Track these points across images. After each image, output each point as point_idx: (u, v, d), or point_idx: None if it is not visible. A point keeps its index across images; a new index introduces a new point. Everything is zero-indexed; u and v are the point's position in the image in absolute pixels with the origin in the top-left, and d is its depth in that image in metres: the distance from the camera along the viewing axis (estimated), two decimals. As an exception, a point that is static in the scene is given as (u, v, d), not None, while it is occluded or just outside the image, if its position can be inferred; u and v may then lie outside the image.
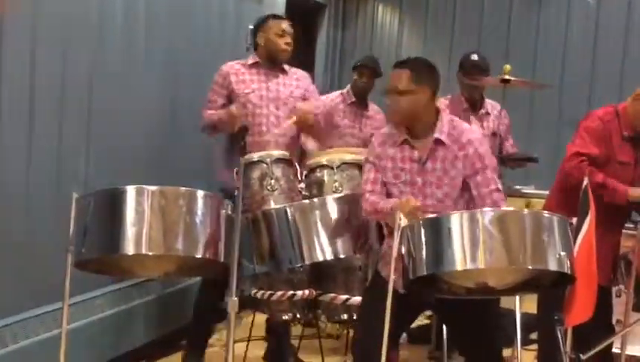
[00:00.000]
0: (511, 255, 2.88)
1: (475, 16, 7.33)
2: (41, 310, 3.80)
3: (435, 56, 7.16)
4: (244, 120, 4.34)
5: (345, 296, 4.13)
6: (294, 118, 4.42)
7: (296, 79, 4.65)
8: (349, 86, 5.56)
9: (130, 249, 3.00)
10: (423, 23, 7.57)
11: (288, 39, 4.54)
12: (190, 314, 4.55)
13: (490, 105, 5.24)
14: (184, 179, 4.03)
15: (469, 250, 2.87)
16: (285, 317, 4.18)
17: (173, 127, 4.79)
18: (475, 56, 5.19)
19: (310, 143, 5.18)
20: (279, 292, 4.07)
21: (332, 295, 4.14)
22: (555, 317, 3.02)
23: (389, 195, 3.47)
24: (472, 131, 3.46)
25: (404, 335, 4.90)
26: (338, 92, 5.64)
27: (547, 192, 4.27)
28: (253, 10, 5.65)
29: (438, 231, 2.95)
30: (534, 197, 5.15)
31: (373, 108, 5.60)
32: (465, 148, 3.36)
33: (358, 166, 4.23)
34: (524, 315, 4.13)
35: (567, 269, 2.91)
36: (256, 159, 4.09)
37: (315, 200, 3.68)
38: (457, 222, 2.92)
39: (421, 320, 5.15)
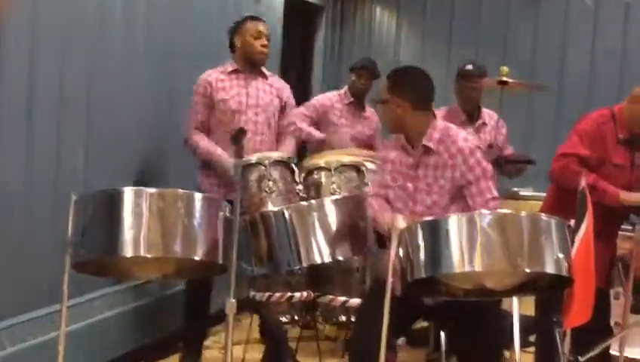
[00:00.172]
0: (509, 257, 2.88)
1: (472, 18, 7.33)
2: (40, 312, 3.80)
3: (433, 58, 7.21)
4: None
5: (343, 298, 4.14)
6: None
7: (276, 88, 4.60)
8: (346, 87, 5.58)
9: (128, 251, 3.00)
10: (421, 24, 7.58)
11: (264, 41, 4.47)
12: (187, 317, 4.55)
13: (488, 115, 5.21)
14: (184, 181, 4.08)
15: (467, 252, 2.87)
16: (283, 319, 4.18)
17: (172, 127, 4.79)
18: (469, 66, 5.17)
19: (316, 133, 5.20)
20: (277, 294, 4.08)
21: (330, 297, 4.15)
22: (554, 319, 3.02)
23: (386, 198, 3.52)
24: (465, 140, 3.42)
25: (403, 337, 4.89)
26: (335, 91, 5.65)
27: (545, 194, 4.27)
28: (251, 9, 5.65)
29: (436, 233, 2.95)
30: (532, 200, 5.15)
31: (369, 109, 5.62)
32: (454, 158, 3.38)
33: (356, 168, 4.25)
34: (522, 317, 4.13)
35: (564, 272, 2.91)
36: (254, 161, 4.09)
37: (313, 202, 3.68)
38: (455, 225, 2.92)
39: (420, 323, 5.15)
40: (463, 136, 3.45)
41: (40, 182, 3.79)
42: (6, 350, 3.62)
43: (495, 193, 3.39)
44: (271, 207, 3.90)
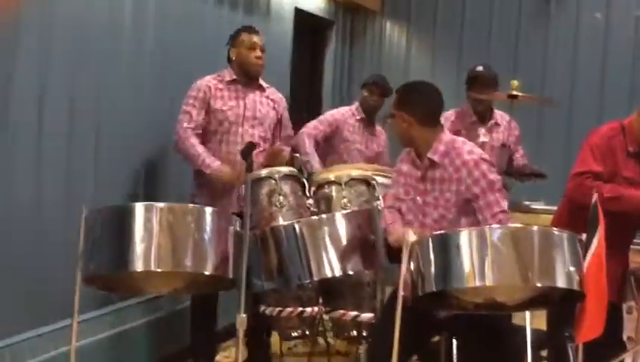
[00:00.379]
0: (519, 272, 2.87)
1: (483, 32, 7.32)
2: (51, 327, 3.79)
3: (443, 72, 7.20)
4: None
5: (354, 313, 4.11)
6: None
7: (272, 100, 4.58)
8: (357, 103, 5.59)
9: (138, 265, 3.01)
10: (431, 39, 7.57)
11: (258, 52, 4.43)
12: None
13: (500, 115, 5.24)
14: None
15: (478, 266, 2.87)
16: (294, 334, 4.17)
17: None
18: (480, 68, 5.18)
19: (316, 164, 5.20)
20: (288, 309, 4.07)
21: (341, 311, 4.13)
22: (566, 334, 3.00)
23: (399, 211, 3.55)
24: (470, 152, 3.40)
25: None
26: (347, 107, 5.66)
27: (556, 208, 4.25)
28: (261, 25, 5.66)
29: (446, 247, 2.95)
30: (543, 213, 5.12)
31: (378, 127, 5.64)
32: (459, 171, 3.37)
33: (366, 182, 4.23)
34: (534, 332, 4.11)
35: (576, 286, 2.90)
36: (264, 175, 4.09)
37: (324, 216, 3.68)
38: (466, 239, 2.92)
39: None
40: (468, 149, 3.43)
41: (50, 198, 3.80)
42: (18, 365, 3.62)
43: (504, 206, 3.36)
44: (281, 222, 3.90)
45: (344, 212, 3.78)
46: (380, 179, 4.31)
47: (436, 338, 5.09)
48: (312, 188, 4.20)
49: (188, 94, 4.37)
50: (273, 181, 4.08)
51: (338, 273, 3.53)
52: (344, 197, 4.14)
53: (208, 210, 3.18)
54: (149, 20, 4.48)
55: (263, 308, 4.11)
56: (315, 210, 4.10)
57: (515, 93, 4.75)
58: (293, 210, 4.07)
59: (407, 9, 7.66)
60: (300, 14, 6.56)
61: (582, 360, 3.31)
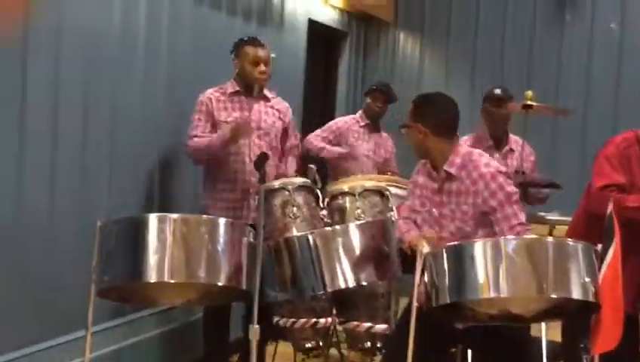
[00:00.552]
0: (534, 283, 2.86)
1: (497, 42, 7.31)
2: (65, 338, 3.80)
3: (457, 83, 7.19)
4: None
5: (368, 324, 4.10)
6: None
7: (277, 110, 4.53)
8: (361, 111, 5.62)
9: (152, 276, 3.01)
10: (445, 50, 7.57)
11: (262, 67, 4.34)
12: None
13: (515, 141, 5.21)
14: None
15: (492, 278, 2.86)
16: (308, 345, 4.16)
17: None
18: (497, 90, 5.19)
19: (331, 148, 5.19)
20: (302, 320, 4.06)
21: (355, 323, 4.12)
22: (582, 345, 2.98)
23: (415, 222, 3.55)
24: (487, 165, 3.40)
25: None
26: (350, 116, 5.69)
27: (571, 218, 4.22)
28: (274, 36, 5.69)
29: (461, 258, 2.94)
30: (558, 224, 5.09)
31: (384, 133, 5.65)
32: (476, 184, 3.35)
33: (380, 193, 4.23)
34: (549, 343, 4.08)
35: (591, 297, 2.87)
36: (277, 186, 4.09)
37: (337, 227, 3.66)
38: (481, 250, 2.91)
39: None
40: (485, 162, 3.42)
41: (64, 209, 3.80)
42: (31, 376, 3.63)
43: (522, 218, 3.34)
44: (295, 233, 3.89)
45: (358, 223, 3.78)
46: (393, 190, 4.31)
47: (452, 350, 5.09)
48: (326, 199, 4.20)
49: (194, 109, 4.37)
50: (287, 192, 4.07)
51: (352, 284, 3.51)
52: (358, 208, 4.14)
53: (222, 221, 3.18)
54: (162, 30, 4.49)
55: (276, 318, 4.10)
56: (328, 221, 4.09)
57: (529, 103, 4.73)
58: (307, 221, 4.06)
59: (421, 20, 7.66)
60: (313, 26, 6.56)
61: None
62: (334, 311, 4.20)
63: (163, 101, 4.53)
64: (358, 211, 4.12)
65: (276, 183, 4.12)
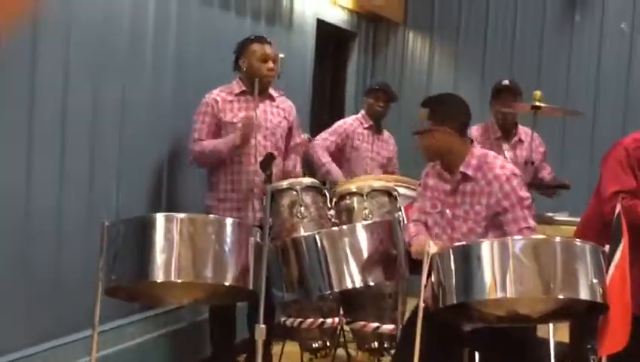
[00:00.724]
0: (542, 284, 2.85)
1: (506, 43, 7.29)
2: (72, 337, 3.81)
3: (466, 83, 7.18)
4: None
5: (375, 324, 4.10)
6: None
7: (282, 109, 4.51)
8: (363, 111, 5.61)
9: (159, 276, 3.02)
10: (454, 49, 7.55)
11: (271, 64, 4.32)
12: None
13: (524, 132, 5.21)
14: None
15: (499, 278, 2.85)
16: (315, 345, 4.16)
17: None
18: (506, 81, 5.22)
19: (335, 172, 5.21)
20: (309, 320, 4.06)
21: (362, 323, 4.12)
22: (589, 346, 2.97)
23: (425, 224, 3.54)
24: (502, 167, 3.40)
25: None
26: (354, 116, 5.68)
27: (579, 219, 4.20)
28: (283, 36, 5.68)
29: (468, 259, 2.94)
30: (568, 225, 5.07)
31: (386, 132, 5.65)
32: (491, 185, 3.35)
33: (388, 193, 4.22)
34: (557, 344, 4.07)
35: (599, 298, 2.86)
36: (285, 186, 4.09)
37: (345, 227, 3.66)
38: (488, 250, 2.91)
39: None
40: (500, 164, 3.43)
41: (72, 208, 3.81)
42: (39, 375, 3.64)
43: (531, 223, 3.34)
44: (302, 233, 3.89)
45: (365, 223, 3.78)
46: (402, 190, 4.30)
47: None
48: (334, 200, 4.19)
49: (197, 110, 4.34)
50: (294, 192, 4.07)
51: (359, 284, 3.52)
52: (365, 208, 4.13)
53: (229, 221, 3.19)
54: (171, 30, 4.49)
55: (284, 318, 4.11)
56: (336, 221, 4.09)
57: (538, 103, 4.72)
58: (315, 221, 4.06)
59: (430, 20, 7.64)
60: (322, 26, 6.55)
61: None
62: (341, 311, 4.21)
63: (171, 102, 4.53)
64: (366, 211, 4.12)
65: (284, 183, 4.12)
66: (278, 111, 4.49)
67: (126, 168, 4.19)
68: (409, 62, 7.71)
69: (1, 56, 3.29)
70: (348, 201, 4.20)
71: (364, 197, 4.16)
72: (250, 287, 3.13)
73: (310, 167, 5.26)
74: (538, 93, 4.76)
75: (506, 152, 5.12)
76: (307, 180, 4.22)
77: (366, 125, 5.53)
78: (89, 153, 3.93)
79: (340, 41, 7.33)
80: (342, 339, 4.57)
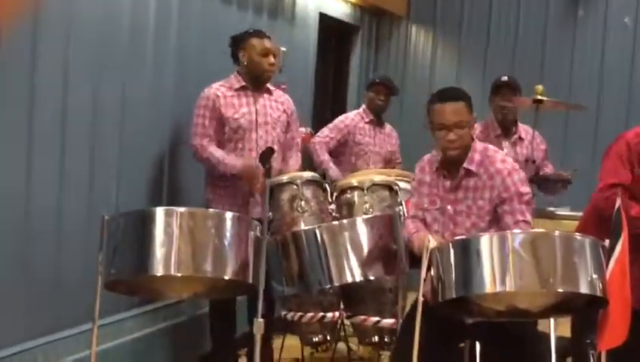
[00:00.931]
0: (541, 278, 2.85)
1: (509, 37, 7.28)
2: (72, 331, 3.81)
3: (469, 77, 7.16)
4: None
5: (375, 318, 4.10)
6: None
7: (281, 103, 4.49)
8: (364, 105, 5.61)
9: (159, 270, 3.02)
10: (457, 44, 7.53)
11: (272, 59, 4.32)
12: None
13: (524, 130, 5.21)
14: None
15: (499, 272, 2.85)
16: (315, 339, 4.16)
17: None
18: (505, 77, 5.21)
19: (334, 171, 5.22)
20: (309, 314, 4.06)
21: (362, 317, 4.12)
22: (588, 341, 2.96)
23: (424, 221, 3.52)
24: (504, 161, 3.41)
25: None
26: (355, 111, 5.68)
27: (581, 214, 4.19)
28: (285, 30, 5.67)
29: (467, 253, 2.94)
30: (569, 219, 5.07)
31: (388, 126, 5.64)
32: (493, 178, 3.35)
33: (389, 187, 4.22)
34: (558, 339, 4.06)
35: (599, 292, 2.86)
36: (285, 180, 4.08)
37: (345, 221, 3.66)
38: (487, 244, 2.91)
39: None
40: (501, 158, 3.43)
41: (72, 203, 3.81)
42: (39, 368, 3.65)
43: (528, 218, 3.34)
44: (303, 227, 3.88)
45: (365, 217, 3.77)
46: (402, 185, 4.29)
47: (460, 345, 5.07)
48: (334, 194, 4.19)
49: (197, 104, 4.30)
50: (295, 186, 4.07)
51: (359, 278, 3.52)
52: (366, 202, 4.14)
53: (229, 215, 3.18)
54: (172, 24, 4.48)
55: (284, 312, 4.10)
56: (337, 215, 4.09)
57: (539, 97, 4.71)
58: (315, 215, 4.06)
59: (433, 14, 7.62)
60: (324, 19, 6.54)
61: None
62: (342, 305, 4.21)
63: (172, 97, 4.52)
64: (367, 205, 4.12)
65: (284, 177, 4.12)
66: (277, 105, 4.47)
67: (126, 167, 4.18)
68: (412, 56, 7.70)
69: (1, 56, 3.30)
70: (348, 195, 4.20)
71: (365, 192, 4.16)
72: (250, 281, 3.12)
73: (311, 162, 5.26)
74: (540, 87, 4.76)
75: (505, 150, 5.11)
76: (308, 174, 4.22)
77: (367, 119, 5.53)
78: (89, 153, 3.92)
79: (342, 34, 7.32)
80: (342, 333, 4.57)
